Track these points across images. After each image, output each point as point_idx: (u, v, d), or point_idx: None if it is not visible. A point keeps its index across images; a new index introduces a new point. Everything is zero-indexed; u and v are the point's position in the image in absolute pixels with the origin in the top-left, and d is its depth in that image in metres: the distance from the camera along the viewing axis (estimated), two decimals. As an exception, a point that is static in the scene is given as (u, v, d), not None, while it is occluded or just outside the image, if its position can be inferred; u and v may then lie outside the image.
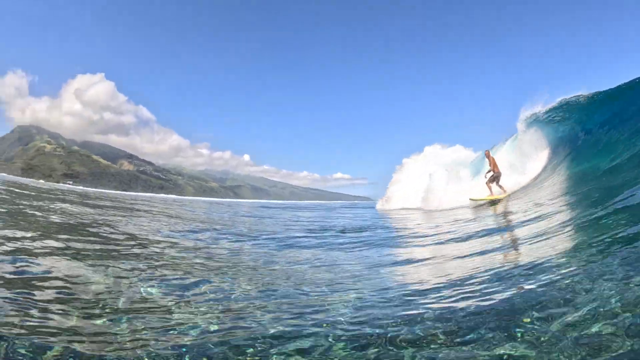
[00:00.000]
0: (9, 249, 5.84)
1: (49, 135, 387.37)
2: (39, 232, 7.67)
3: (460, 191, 21.14)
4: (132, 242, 8.04)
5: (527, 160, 20.72)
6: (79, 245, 6.91)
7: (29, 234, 7.16)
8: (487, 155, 18.85)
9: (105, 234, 8.82)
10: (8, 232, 7.15)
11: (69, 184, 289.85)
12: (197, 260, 6.65)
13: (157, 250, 7.43)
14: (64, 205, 15.94)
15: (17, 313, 3.52)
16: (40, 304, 3.79)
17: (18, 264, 5.09)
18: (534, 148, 20.97)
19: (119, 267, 5.57)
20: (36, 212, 11.61)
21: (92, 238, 8.11)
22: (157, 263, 6.18)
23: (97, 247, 7.08)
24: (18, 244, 6.23)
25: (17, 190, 24.05)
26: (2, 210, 11.33)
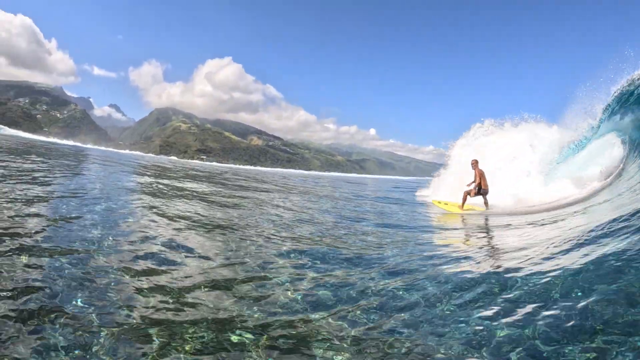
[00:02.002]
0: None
1: (183, 116, 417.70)
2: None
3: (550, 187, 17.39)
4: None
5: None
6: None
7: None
8: (474, 166, 16.12)
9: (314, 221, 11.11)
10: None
11: (202, 158, 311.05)
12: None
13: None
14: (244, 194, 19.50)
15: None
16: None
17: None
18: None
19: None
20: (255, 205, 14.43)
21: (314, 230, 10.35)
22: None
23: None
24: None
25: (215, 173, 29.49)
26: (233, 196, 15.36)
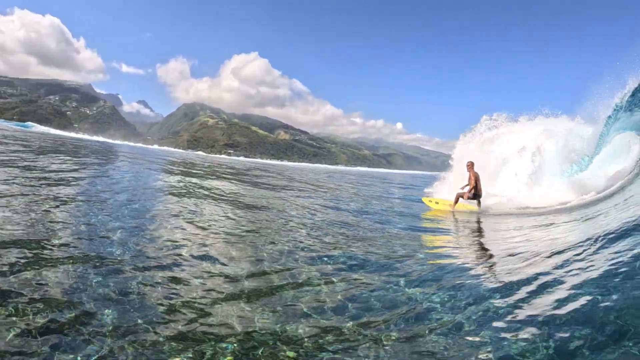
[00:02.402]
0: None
1: (211, 111, 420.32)
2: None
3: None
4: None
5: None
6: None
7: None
8: (469, 168, 15.31)
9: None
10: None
11: (229, 153, 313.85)
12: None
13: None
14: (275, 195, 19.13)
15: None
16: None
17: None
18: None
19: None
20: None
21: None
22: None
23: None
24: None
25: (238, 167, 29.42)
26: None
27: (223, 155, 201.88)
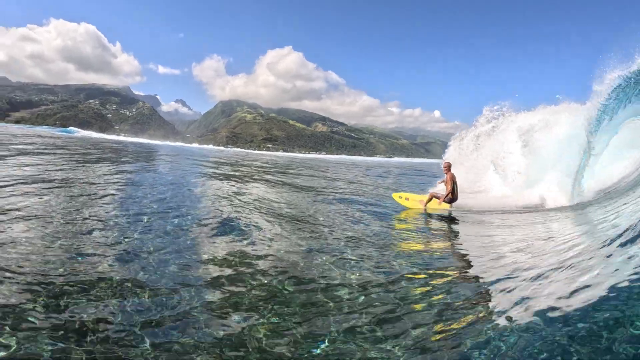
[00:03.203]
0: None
1: (248, 106, 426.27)
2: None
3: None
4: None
5: None
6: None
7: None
8: (446, 170, 13.80)
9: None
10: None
11: (268, 147, 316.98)
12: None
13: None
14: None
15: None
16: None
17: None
18: None
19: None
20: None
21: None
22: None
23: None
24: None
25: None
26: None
27: (262, 151, 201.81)
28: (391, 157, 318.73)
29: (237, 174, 24.79)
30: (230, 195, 13.56)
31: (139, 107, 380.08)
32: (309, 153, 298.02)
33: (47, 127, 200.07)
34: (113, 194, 11.79)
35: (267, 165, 41.81)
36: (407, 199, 14.38)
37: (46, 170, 15.80)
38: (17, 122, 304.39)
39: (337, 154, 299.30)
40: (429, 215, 12.55)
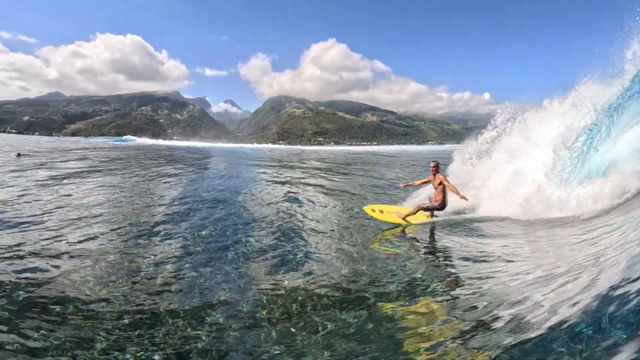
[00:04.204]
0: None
1: (296, 102, 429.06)
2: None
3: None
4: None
5: None
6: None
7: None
8: (434, 170, 11.36)
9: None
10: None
11: (319, 141, 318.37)
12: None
13: None
14: None
15: None
16: None
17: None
18: None
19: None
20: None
21: None
22: None
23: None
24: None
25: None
26: None
27: (313, 147, 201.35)
28: (443, 143, 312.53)
29: (302, 178, 23.62)
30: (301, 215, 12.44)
31: (190, 110, 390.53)
32: (360, 144, 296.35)
33: (103, 137, 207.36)
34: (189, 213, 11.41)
35: (328, 162, 40.44)
36: (381, 211, 11.73)
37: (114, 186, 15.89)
38: (74, 133, 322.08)
39: (388, 144, 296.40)
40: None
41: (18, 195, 13.04)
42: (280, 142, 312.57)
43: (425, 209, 11.28)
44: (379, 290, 5.64)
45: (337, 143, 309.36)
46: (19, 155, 32.72)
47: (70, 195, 13.97)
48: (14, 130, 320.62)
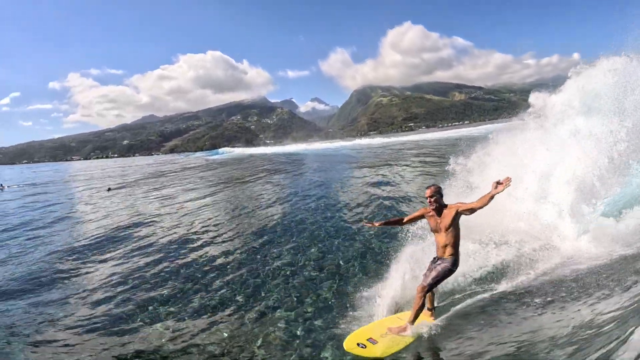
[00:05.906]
0: None
1: (382, 90, 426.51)
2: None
3: None
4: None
5: None
6: None
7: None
8: (434, 201, 5.99)
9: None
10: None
11: (410, 126, 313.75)
12: None
13: None
14: None
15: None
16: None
17: None
18: None
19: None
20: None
21: None
22: None
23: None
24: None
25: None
26: None
27: (405, 137, 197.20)
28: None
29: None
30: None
31: (278, 113, 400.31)
32: (451, 126, 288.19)
33: (198, 153, 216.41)
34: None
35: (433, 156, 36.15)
36: (370, 339, 5.72)
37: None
38: (172, 150, 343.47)
39: (479, 123, 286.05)
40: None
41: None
42: (371, 132, 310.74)
43: (429, 288, 5.83)
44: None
45: (428, 127, 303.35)
46: (109, 189, 34.14)
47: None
48: (115, 155, 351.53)
